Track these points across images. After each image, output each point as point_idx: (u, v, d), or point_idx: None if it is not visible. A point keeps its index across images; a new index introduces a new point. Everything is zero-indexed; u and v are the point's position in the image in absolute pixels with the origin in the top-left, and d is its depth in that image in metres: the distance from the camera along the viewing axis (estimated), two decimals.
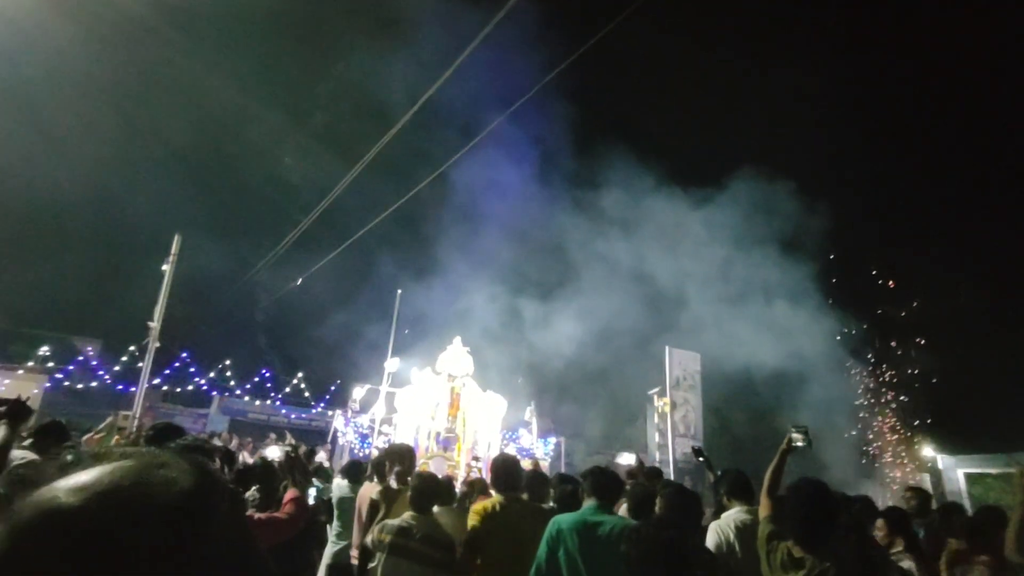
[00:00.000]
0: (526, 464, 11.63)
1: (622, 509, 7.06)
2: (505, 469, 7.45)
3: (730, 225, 32.15)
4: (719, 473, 7.70)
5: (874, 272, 37.86)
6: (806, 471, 6.70)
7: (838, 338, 32.93)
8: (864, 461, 33.37)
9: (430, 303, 31.71)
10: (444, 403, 20.28)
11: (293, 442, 14.07)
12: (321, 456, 19.61)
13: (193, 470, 1.55)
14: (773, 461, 5.88)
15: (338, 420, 24.80)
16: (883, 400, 35.78)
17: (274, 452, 16.53)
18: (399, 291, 25.63)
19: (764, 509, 5.65)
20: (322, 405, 38.29)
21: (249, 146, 38.85)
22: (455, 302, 31.86)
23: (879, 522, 7.42)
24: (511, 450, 22.52)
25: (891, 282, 37.38)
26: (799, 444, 5.81)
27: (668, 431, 23.90)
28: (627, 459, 26.14)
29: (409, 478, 8.26)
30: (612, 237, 32.71)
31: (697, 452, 9.77)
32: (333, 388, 38.38)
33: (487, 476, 11.59)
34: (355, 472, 10.76)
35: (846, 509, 6.86)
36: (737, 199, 32.60)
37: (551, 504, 8.14)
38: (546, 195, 35.54)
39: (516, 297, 31.47)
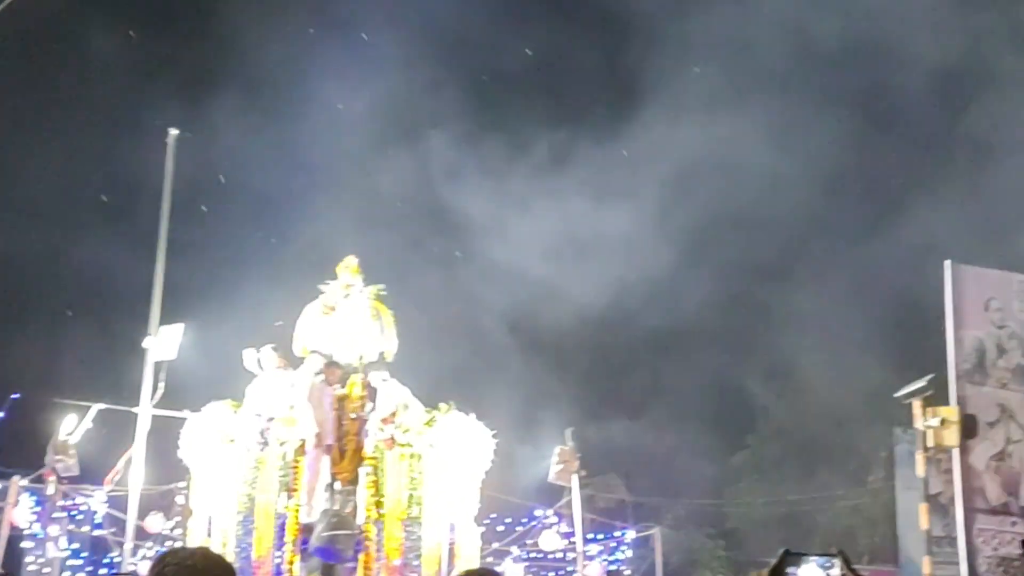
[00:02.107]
0: None
1: None
2: None
3: None
4: None
5: None
6: None
7: None
8: None
9: (269, 168, 23.20)
10: (327, 437, 13.62)
11: None
12: None
13: None
14: None
15: (18, 508, 14.76)
16: None
17: None
18: (173, 133, 16.11)
19: None
20: None
21: None
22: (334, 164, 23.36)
23: None
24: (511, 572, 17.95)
25: None
26: None
27: (956, 500, 12.42)
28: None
29: None
30: None
31: None
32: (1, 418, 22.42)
33: None
34: None
35: None
36: None
37: None
38: None
39: (505, 159, 23.17)
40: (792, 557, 5.08)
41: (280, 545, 13.37)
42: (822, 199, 24.43)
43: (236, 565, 13.25)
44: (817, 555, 5.15)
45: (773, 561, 4.58)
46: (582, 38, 30.18)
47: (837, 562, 5.15)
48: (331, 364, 14.63)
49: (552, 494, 17.53)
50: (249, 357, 14.50)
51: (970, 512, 12.37)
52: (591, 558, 19.38)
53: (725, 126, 24.12)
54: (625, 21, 28.43)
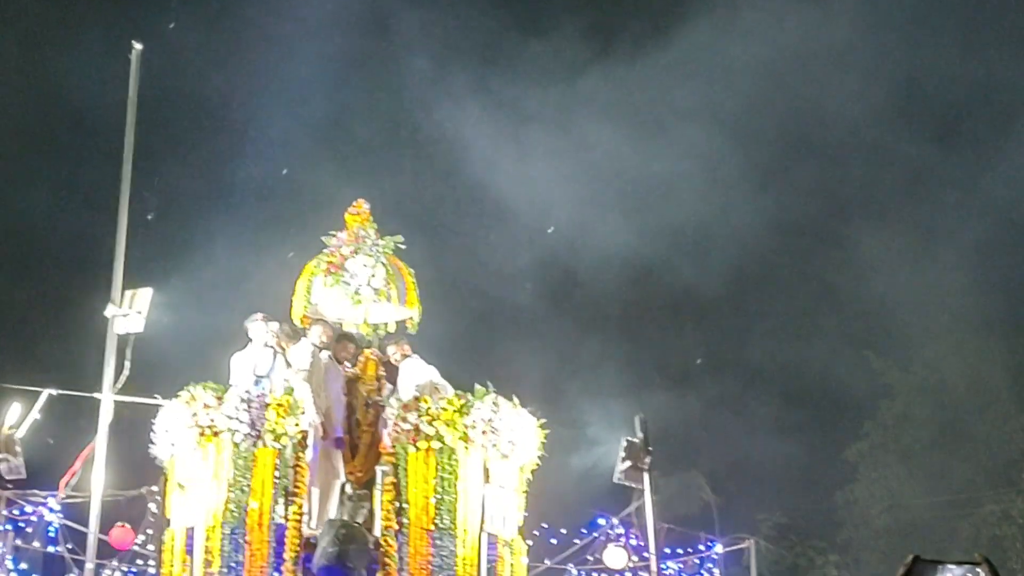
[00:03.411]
0: None
1: None
2: None
3: None
4: None
5: None
6: None
7: None
8: None
9: (251, 102, 23.29)
10: (335, 428, 14.11)
11: None
12: None
13: None
14: None
15: None
16: None
17: None
18: (137, 48, 16.22)
19: None
20: None
21: None
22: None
23: None
24: None
25: None
26: None
27: None
28: None
29: None
30: None
31: None
32: None
33: None
34: None
35: None
36: None
37: None
38: None
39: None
40: (925, 565, 4.99)
41: (278, 564, 13.25)
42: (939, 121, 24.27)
43: None
44: (956, 563, 5.06)
45: (900, 570, 4.54)
46: None
47: (981, 571, 5.07)
48: (340, 336, 14.65)
49: (618, 498, 17.43)
50: (255, 330, 14.51)
51: None
52: None
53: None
54: None
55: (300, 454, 13.59)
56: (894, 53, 25.33)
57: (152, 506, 16.45)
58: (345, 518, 13.23)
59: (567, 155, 21.31)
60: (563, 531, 19.49)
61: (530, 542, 17.08)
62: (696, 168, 23.07)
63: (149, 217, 20.56)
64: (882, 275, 23.41)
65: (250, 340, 14.54)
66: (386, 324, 15.37)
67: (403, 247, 15.41)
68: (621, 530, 18.97)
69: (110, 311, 14.32)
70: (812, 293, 23.94)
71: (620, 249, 22.65)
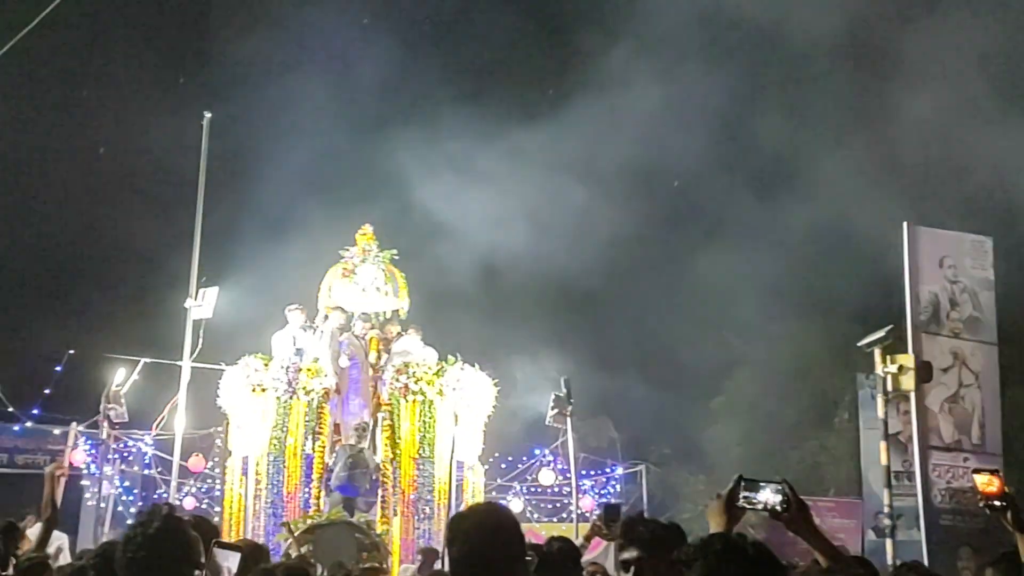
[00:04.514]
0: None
1: None
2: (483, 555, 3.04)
3: None
4: None
5: None
6: None
7: None
8: None
9: (288, 152, 22.21)
10: (349, 390, 13.96)
11: None
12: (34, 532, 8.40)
13: None
14: None
15: (77, 451, 14.84)
16: None
17: None
18: (207, 116, 15.44)
19: None
20: (35, 413, 18.74)
21: None
22: (358, 147, 22.93)
23: None
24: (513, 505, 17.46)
25: None
26: None
27: (913, 438, 12.28)
28: None
29: None
30: None
31: (997, 497, 4.39)
32: (59, 372, 18.76)
33: None
34: None
35: None
36: None
37: None
38: None
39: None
40: (748, 483, 5.03)
41: (308, 482, 13.45)
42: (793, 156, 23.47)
43: (268, 500, 13.48)
44: (766, 482, 5.11)
45: (730, 485, 4.50)
46: None
47: (784, 488, 5.10)
48: (351, 320, 14.81)
49: (549, 435, 17.43)
50: (292, 317, 14.51)
51: (926, 449, 12.19)
52: (584, 492, 19.33)
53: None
54: None
55: (323, 404, 13.77)
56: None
57: (218, 441, 16.46)
58: (353, 451, 13.32)
59: (499, 190, 21.01)
60: (510, 459, 19.43)
61: (487, 467, 17.26)
62: (586, 195, 22.71)
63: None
64: (733, 274, 23.17)
65: (287, 323, 14.67)
66: (385, 312, 15.34)
67: (397, 257, 15.57)
68: (551, 458, 19.04)
69: (188, 303, 14.27)
70: (685, 288, 23.60)
71: (542, 258, 22.39)
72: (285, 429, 13.45)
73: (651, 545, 4.04)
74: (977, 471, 4.92)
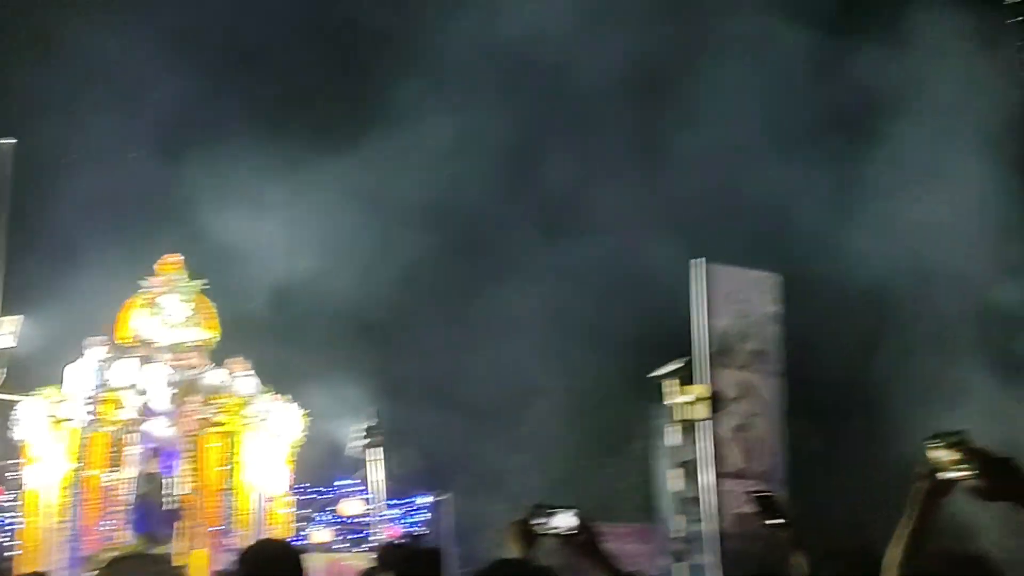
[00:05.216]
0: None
1: None
2: None
3: None
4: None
5: None
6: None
7: None
8: None
9: (89, 180, 20.48)
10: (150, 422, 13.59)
11: None
12: None
13: None
14: (908, 512, 2.64)
15: None
16: None
17: None
18: (10, 143, 15.75)
19: None
20: None
21: None
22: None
23: None
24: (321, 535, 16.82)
25: None
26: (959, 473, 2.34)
27: (703, 463, 12.43)
28: None
29: None
30: None
31: (764, 502, 4.60)
32: None
33: None
34: None
35: None
36: None
37: None
38: None
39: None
40: (542, 509, 5.27)
41: (109, 515, 13.23)
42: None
43: (66, 534, 13.11)
44: (563, 507, 5.34)
45: (525, 514, 4.49)
46: None
47: (573, 513, 5.37)
48: (155, 351, 14.59)
49: (349, 465, 17.37)
50: (92, 349, 14.09)
51: (717, 476, 12.78)
52: (391, 521, 19.33)
53: None
54: None
55: (124, 436, 13.56)
56: None
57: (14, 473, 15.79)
58: (149, 482, 13.14)
59: (294, 220, 20.90)
60: (322, 488, 19.17)
61: (297, 496, 17.16)
62: (382, 228, 22.81)
63: None
64: (528, 307, 23.60)
65: (83, 355, 14.29)
66: (190, 342, 15.15)
67: (207, 287, 15.50)
68: (361, 487, 18.99)
69: None
70: (482, 321, 23.84)
71: (338, 290, 22.29)
72: (85, 461, 13.09)
73: (406, 567, 4.31)
74: (753, 493, 5.25)
